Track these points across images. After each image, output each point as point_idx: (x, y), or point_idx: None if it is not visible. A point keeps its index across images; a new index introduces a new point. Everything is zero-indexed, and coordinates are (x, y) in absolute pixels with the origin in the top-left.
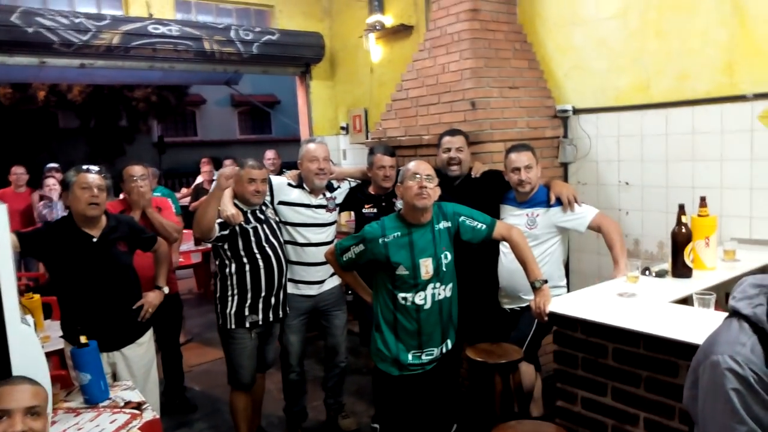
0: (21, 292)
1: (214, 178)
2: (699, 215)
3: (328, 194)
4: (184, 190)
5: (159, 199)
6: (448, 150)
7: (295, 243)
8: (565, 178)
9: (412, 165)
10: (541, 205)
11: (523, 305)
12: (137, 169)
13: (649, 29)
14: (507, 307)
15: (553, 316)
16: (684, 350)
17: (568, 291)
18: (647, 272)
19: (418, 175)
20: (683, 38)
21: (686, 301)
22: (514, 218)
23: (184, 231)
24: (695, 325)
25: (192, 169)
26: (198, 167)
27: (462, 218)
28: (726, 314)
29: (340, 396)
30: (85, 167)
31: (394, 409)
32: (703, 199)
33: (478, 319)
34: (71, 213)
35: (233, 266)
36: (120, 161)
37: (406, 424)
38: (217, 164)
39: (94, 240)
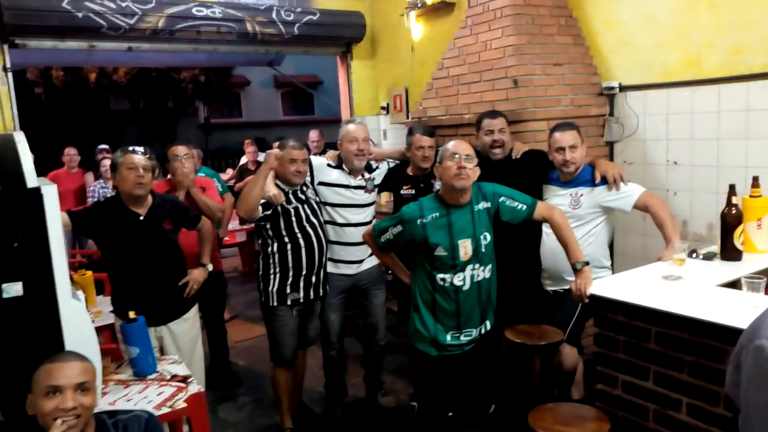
0: (74, 269)
1: (259, 158)
2: (751, 195)
3: (367, 175)
4: (229, 171)
5: (203, 180)
6: (491, 132)
7: (334, 223)
8: (611, 158)
9: (451, 145)
10: (586, 184)
11: (567, 287)
12: (181, 149)
13: (700, 1)
14: (550, 288)
15: (594, 298)
16: (730, 335)
17: (613, 273)
18: (694, 255)
19: (457, 155)
20: (737, 10)
21: (735, 285)
22: (557, 198)
23: None
24: (743, 310)
25: (237, 149)
26: (242, 148)
27: (502, 198)
28: None
29: (379, 374)
30: (131, 148)
31: (433, 388)
32: (755, 179)
33: (520, 300)
34: (119, 192)
35: (275, 245)
36: (169, 142)
37: (444, 404)
38: (261, 145)
39: (141, 218)
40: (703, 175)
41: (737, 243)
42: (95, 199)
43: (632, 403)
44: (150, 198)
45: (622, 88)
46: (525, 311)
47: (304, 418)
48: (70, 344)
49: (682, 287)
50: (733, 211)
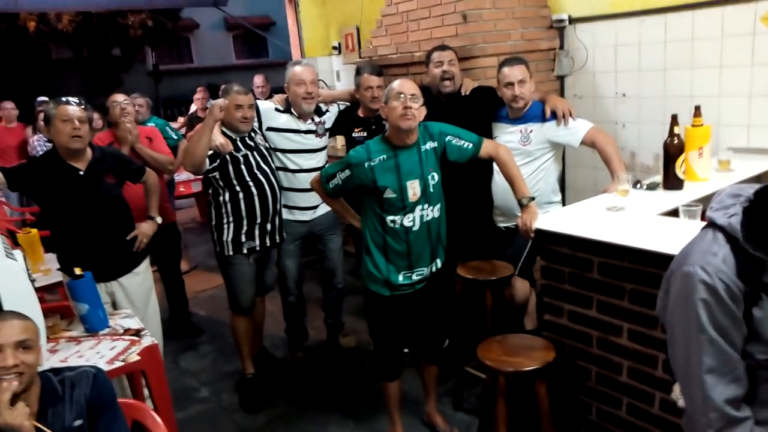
0: (19, 227)
1: (208, 105)
2: (693, 125)
3: (317, 119)
4: (180, 119)
5: (148, 130)
6: (440, 64)
7: (286, 169)
8: (562, 92)
9: (396, 84)
10: (535, 120)
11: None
12: (120, 96)
13: None
14: (502, 225)
15: (539, 232)
16: (667, 262)
17: (563, 205)
18: (638, 185)
19: (402, 95)
20: None
21: (675, 213)
22: (507, 135)
23: None
24: (680, 237)
25: (189, 97)
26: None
27: (448, 138)
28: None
29: (339, 316)
30: (64, 99)
31: (387, 327)
32: (697, 108)
33: (472, 237)
34: (55, 147)
35: (227, 194)
36: (117, 91)
37: (399, 341)
38: (214, 92)
39: (81, 173)
40: (650, 106)
41: (679, 172)
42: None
43: (577, 331)
44: (89, 151)
45: (572, 21)
46: (477, 248)
47: (266, 363)
48: (8, 304)
49: (624, 217)
50: (675, 141)
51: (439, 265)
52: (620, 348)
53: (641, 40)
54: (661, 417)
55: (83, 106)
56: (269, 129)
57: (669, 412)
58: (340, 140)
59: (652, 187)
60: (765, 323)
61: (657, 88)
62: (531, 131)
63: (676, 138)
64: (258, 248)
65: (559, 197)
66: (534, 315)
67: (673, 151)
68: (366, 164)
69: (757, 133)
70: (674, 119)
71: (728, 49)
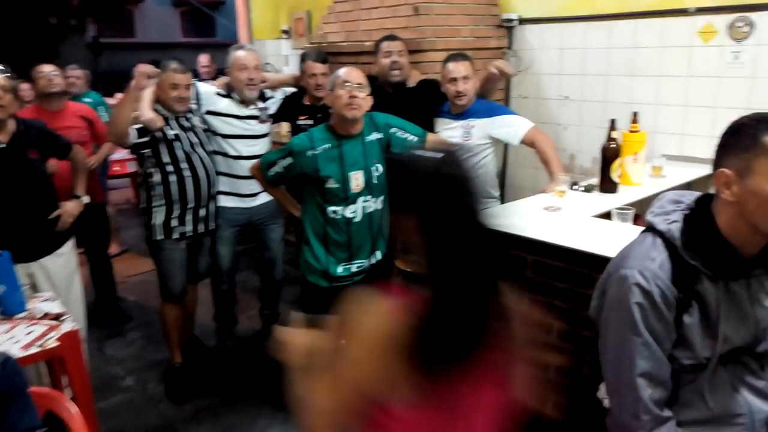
0: None
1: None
2: (630, 131)
3: (260, 104)
4: (118, 96)
5: (86, 110)
6: (390, 54)
7: (225, 155)
8: (507, 92)
9: (343, 72)
10: (477, 116)
11: None
12: (47, 67)
13: None
14: None
15: None
16: (598, 263)
17: (502, 203)
18: (575, 187)
19: (348, 83)
20: None
21: (609, 215)
22: (449, 131)
23: None
24: (612, 239)
25: (130, 72)
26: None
27: (393, 129)
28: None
29: (276, 307)
30: None
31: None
32: (635, 115)
33: None
34: None
35: (157, 176)
36: (52, 62)
37: None
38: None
39: (2, 146)
40: (591, 110)
41: (614, 176)
42: None
43: None
44: (12, 123)
45: (521, 21)
46: None
47: (197, 352)
48: None
49: (560, 218)
50: (612, 146)
51: (379, 256)
52: (550, 346)
53: (586, 45)
54: (586, 415)
55: (8, 74)
56: (209, 113)
57: (594, 411)
58: (285, 127)
59: (588, 189)
60: (693, 330)
61: (598, 92)
62: (473, 127)
63: (613, 142)
64: (190, 234)
65: (497, 192)
66: None
67: (609, 154)
68: (309, 152)
69: (690, 142)
70: (613, 124)
71: (667, 60)
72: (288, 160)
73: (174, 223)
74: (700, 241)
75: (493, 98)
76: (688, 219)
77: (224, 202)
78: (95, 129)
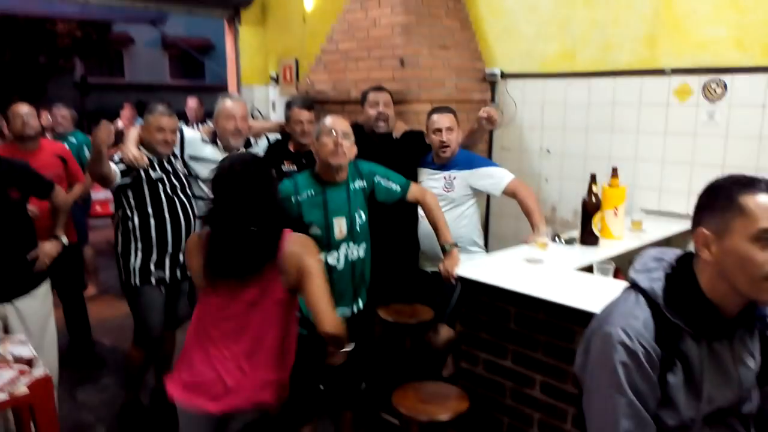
0: None
1: (136, 124)
2: (610, 185)
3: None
4: None
5: (59, 148)
6: (376, 104)
7: (207, 199)
8: (490, 144)
9: (329, 121)
10: (459, 167)
11: None
12: (23, 107)
13: None
14: (429, 269)
15: (461, 279)
16: (580, 317)
17: (486, 251)
18: (557, 239)
19: (334, 132)
20: (609, 8)
21: (591, 268)
22: (431, 181)
23: None
24: (593, 293)
25: (117, 112)
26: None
27: (377, 178)
28: (626, 284)
29: None
30: None
31: (303, 367)
32: (614, 170)
33: (396, 280)
34: None
35: (136, 218)
36: (38, 101)
37: (314, 379)
38: (142, 109)
39: None
40: (572, 164)
41: (595, 229)
42: None
43: (492, 381)
44: None
45: (504, 76)
46: (401, 291)
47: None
48: None
49: (542, 270)
50: (593, 200)
51: (361, 305)
52: (532, 400)
53: (567, 101)
54: None
55: None
56: (192, 158)
57: None
58: None
59: (569, 241)
60: (678, 390)
61: (579, 146)
62: (454, 178)
63: (594, 197)
64: (168, 279)
65: (482, 242)
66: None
67: (590, 208)
68: (293, 198)
69: (668, 198)
70: (593, 179)
71: (645, 116)
72: None
73: (152, 267)
74: (683, 300)
75: (476, 150)
76: (670, 277)
77: None
78: (70, 167)
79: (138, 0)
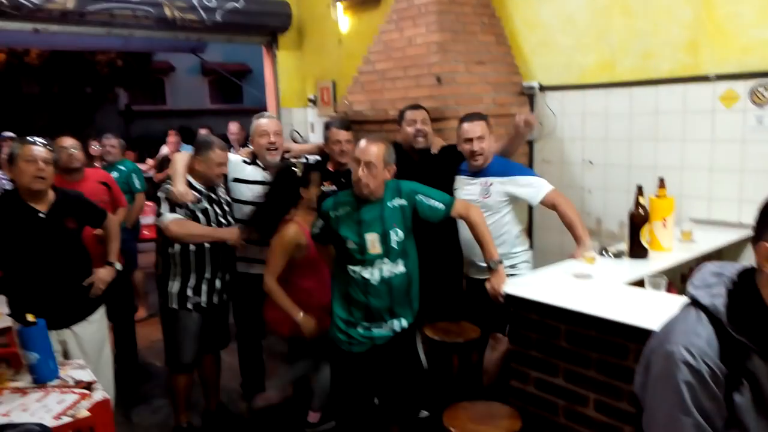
0: None
1: (180, 149)
2: (657, 196)
3: None
4: (149, 161)
5: (103, 175)
6: (414, 122)
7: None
8: (530, 156)
9: (359, 148)
10: (494, 174)
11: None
12: (68, 140)
13: (614, 6)
14: (475, 276)
15: (508, 297)
16: (633, 333)
17: (528, 260)
18: (604, 253)
19: (359, 162)
20: (648, 16)
21: (642, 282)
22: (469, 187)
23: (147, 203)
24: (646, 308)
25: (161, 138)
26: (167, 137)
27: (419, 197)
28: (684, 299)
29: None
30: (30, 139)
31: (345, 378)
32: (661, 181)
33: (443, 293)
34: (17, 186)
35: (176, 245)
36: (87, 130)
37: (361, 393)
38: (185, 134)
39: (42, 215)
40: (615, 175)
41: (644, 241)
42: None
43: (543, 400)
44: (51, 193)
45: (542, 88)
46: (449, 303)
47: (223, 419)
48: None
49: (592, 285)
50: (640, 211)
51: (405, 324)
52: (586, 419)
53: (608, 111)
54: None
55: (49, 148)
56: (235, 180)
57: None
58: None
59: (618, 255)
60: (747, 411)
61: (622, 157)
62: (491, 184)
63: (641, 208)
64: (204, 305)
65: (523, 247)
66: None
67: (638, 221)
68: (332, 214)
69: (718, 206)
70: (640, 190)
71: (690, 124)
72: (320, 222)
73: (189, 292)
74: (746, 316)
75: (517, 161)
76: (732, 293)
77: (243, 268)
78: (113, 192)
79: (180, 31)
